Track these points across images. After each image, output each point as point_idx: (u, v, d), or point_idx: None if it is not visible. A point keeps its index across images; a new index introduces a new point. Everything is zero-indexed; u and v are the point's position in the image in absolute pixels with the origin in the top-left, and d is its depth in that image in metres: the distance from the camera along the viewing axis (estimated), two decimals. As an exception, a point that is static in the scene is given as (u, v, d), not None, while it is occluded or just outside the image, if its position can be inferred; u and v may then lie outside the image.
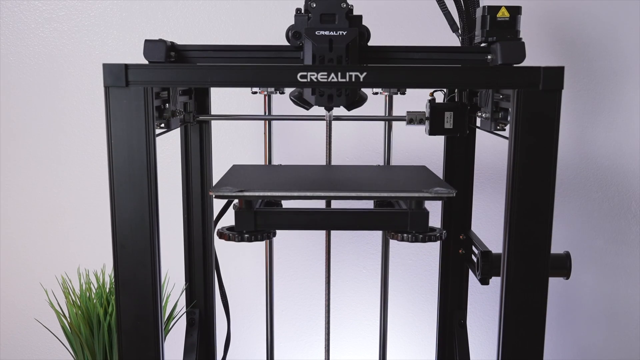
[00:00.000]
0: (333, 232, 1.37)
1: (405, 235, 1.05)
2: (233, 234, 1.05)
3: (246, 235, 1.04)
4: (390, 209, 1.14)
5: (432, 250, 1.65)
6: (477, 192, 1.43)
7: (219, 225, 1.12)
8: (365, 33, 1.11)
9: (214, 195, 1.00)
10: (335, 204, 1.26)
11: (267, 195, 1.01)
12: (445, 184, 1.06)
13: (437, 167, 1.35)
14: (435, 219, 1.26)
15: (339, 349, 1.72)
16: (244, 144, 1.63)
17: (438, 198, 1.01)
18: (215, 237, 1.12)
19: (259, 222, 1.04)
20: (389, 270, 1.38)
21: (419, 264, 1.69)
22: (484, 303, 1.71)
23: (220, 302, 1.36)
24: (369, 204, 1.31)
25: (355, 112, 1.18)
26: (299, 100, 1.14)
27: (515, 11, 1.06)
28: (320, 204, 1.27)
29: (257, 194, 1.00)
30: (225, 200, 1.20)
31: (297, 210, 1.08)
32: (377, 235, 1.60)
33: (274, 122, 1.36)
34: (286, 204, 1.20)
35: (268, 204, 1.14)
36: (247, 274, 1.67)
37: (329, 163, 1.28)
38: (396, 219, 1.06)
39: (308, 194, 1.01)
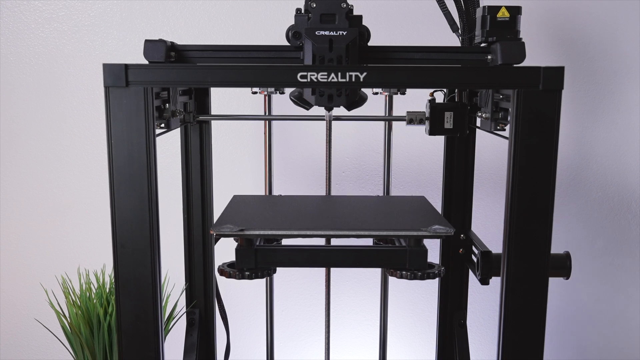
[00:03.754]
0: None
1: (404, 272, 1.05)
2: (234, 272, 1.05)
3: (247, 273, 1.05)
4: (390, 246, 1.15)
5: (432, 251, 1.65)
6: (477, 192, 1.43)
7: (219, 257, 1.12)
8: (365, 33, 1.11)
9: (214, 235, 1.00)
10: (335, 240, 1.26)
11: (268, 234, 1.01)
12: (443, 221, 1.06)
13: (437, 167, 1.35)
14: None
15: (339, 349, 1.72)
16: (244, 144, 1.63)
17: (436, 236, 1.02)
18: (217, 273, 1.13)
19: (260, 259, 1.04)
20: (389, 270, 1.38)
21: (419, 264, 1.69)
22: (484, 303, 1.71)
23: (222, 302, 1.36)
24: (368, 239, 1.31)
25: (355, 112, 1.18)
26: (299, 100, 1.14)
27: (515, 11, 1.06)
28: (320, 240, 1.29)
29: (257, 232, 1.01)
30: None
31: (297, 247, 1.08)
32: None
33: (274, 122, 1.36)
34: (286, 240, 1.21)
35: (268, 240, 1.15)
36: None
37: (328, 163, 1.28)
38: (395, 257, 1.06)
39: (308, 232, 1.01)
